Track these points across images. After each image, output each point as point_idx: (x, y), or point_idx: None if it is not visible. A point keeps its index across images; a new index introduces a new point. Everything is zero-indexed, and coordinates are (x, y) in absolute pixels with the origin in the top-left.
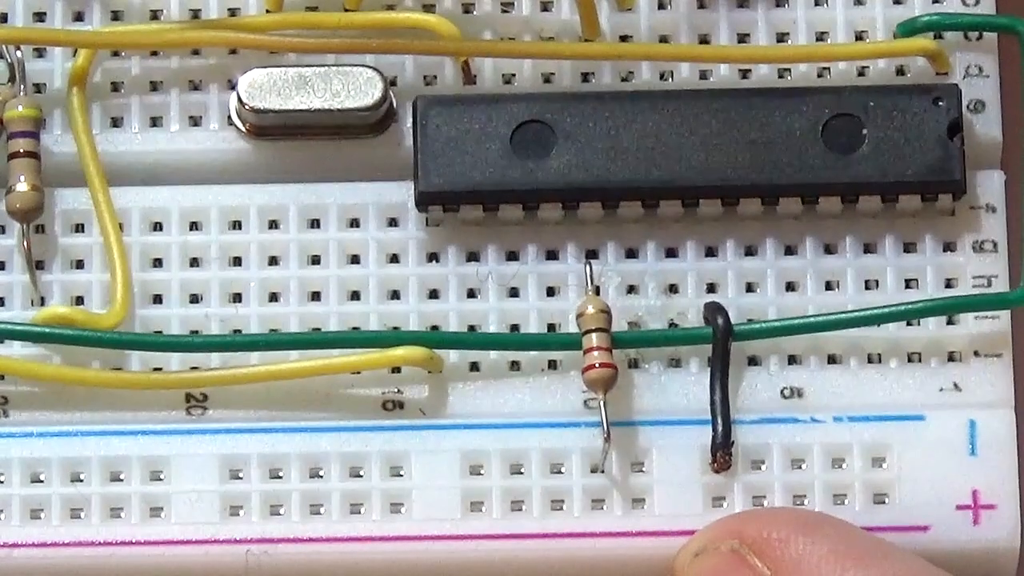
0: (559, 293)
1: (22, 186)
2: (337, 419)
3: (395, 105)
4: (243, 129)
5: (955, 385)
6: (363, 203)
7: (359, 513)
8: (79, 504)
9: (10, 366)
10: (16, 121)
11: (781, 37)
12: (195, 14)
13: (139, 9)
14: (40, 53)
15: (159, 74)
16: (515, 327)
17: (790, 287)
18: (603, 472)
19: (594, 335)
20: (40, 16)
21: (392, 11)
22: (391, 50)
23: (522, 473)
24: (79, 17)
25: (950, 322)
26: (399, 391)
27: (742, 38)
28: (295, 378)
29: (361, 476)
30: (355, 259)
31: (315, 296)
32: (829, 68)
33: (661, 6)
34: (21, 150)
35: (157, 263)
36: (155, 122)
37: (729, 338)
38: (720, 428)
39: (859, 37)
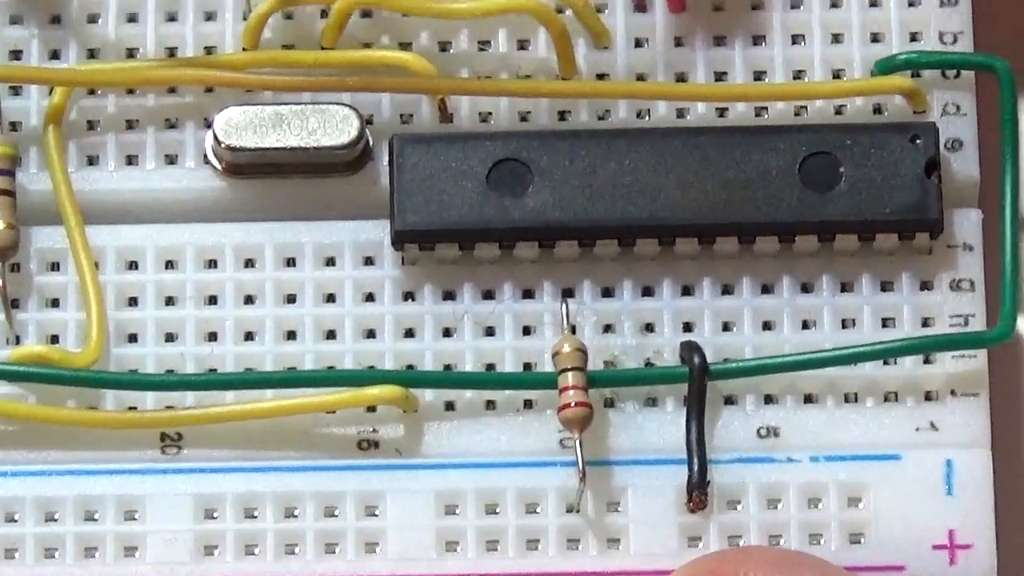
0: (535, 332)
1: None
2: (312, 458)
3: (371, 143)
4: (219, 167)
5: (932, 424)
6: (339, 241)
7: (334, 552)
8: (53, 543)
9: None
10: None
11: (758, 75)
12: (171, 52)
13: (115, 47)
14: (16, 91)
15: (135, 112)
16: (491, 366)
17: (767, 326)
18: (579, 512)
19: (570, 374)
20: (16, 54)
21: (368, 49)
22: (367, 88)
23: (497, 513)
24: (55, 55)
25: (927, 361)
26: (374, 430)
27: (719, 76)
28: (270, 417)
29: (336, 515)
30: (331, 298)
31: (291, 335)
32: (806, 106)
33: (638, 44)
34: None
35: (132, 302)
36: (131, 160)
37: (705, 377)
38: (696, 467)
39: (836, 75)
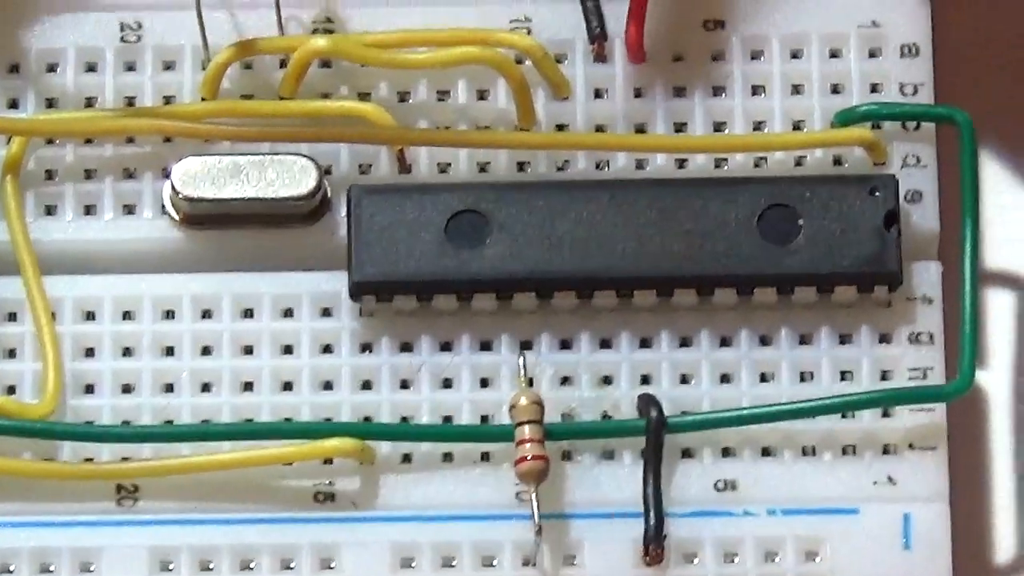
0: (493, 384)
1: None
2: (268, 511)
3: (329, 194)
4: (177, 218)
5: (889, 478)
6: (297, 293)
7: None
8: None
9: None
10: None
11: (718, 126)
12: (130, 101)
13: (74, 96)
14: None
15: (93, 162)
16: (448, 418)
17: (725, 379)
18: (535, 565)
19: (527, 427)
20: None
21: (327, 99)
22: (325, 138)
23: (454, 566)
24: (13, 104)
25: (885, 414)
26: (331, 483)
27: (679, 127)
28: (227, 469)
29: (292, 568)
30: (288, 349)
31: (248, 386)
32: (766, 158)
33: (597, 95)
34: None
35: (89, 352)
36: (89, 210)
37: (662, 430)
38: (653, 521)
39: (797, 126)
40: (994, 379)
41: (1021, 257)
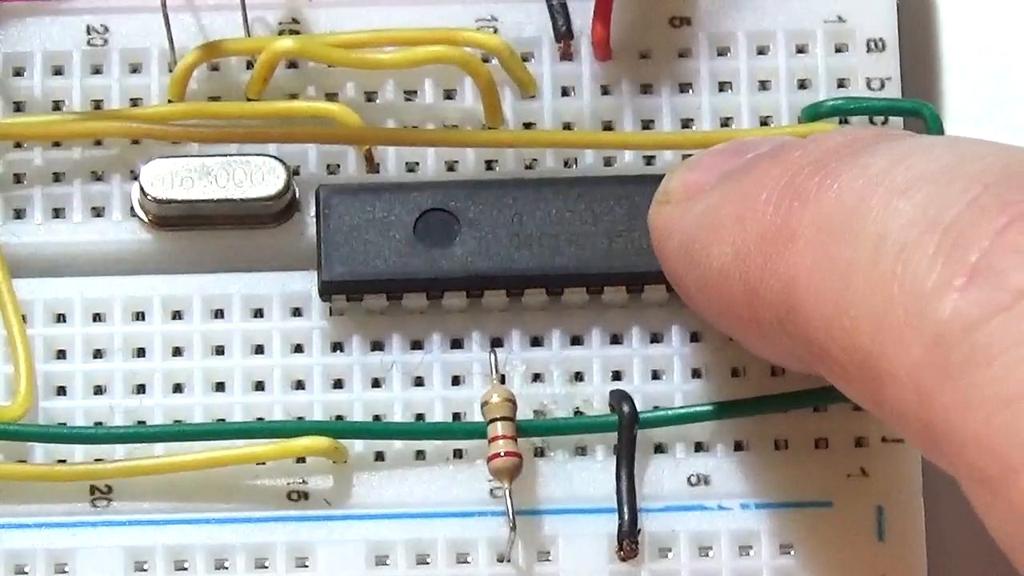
0: (464, 382)
1: None
2: (242, 510)
3: (298, 194)
4: (146, 219)
5: (863, 471)
6: (267, 293)
7: None
8: None
9: None
10: None
11: (686, 123)
12: (97, 104)
13: (41, 100)
14: None
15: (61, 165)
16: (420, 416)
17: (696, 373)
18: (509, 562)
19: (499, 424)
20: None
21: (294, 100)
22: (293, 139)
23: (428, 563)
24: None
25: (857, 408)
26: (304, 481)
27: (646, 124)
28: (199, 469)
29: (267, 567)
30: (259, 349)
31: (219, 386)
32: None
33: (564, 93)
34: None
35: (60, 355)
36: (58, 213)
37: (635, 425)
38: (626, 516)
39: (764, 122)
40: None
41: None
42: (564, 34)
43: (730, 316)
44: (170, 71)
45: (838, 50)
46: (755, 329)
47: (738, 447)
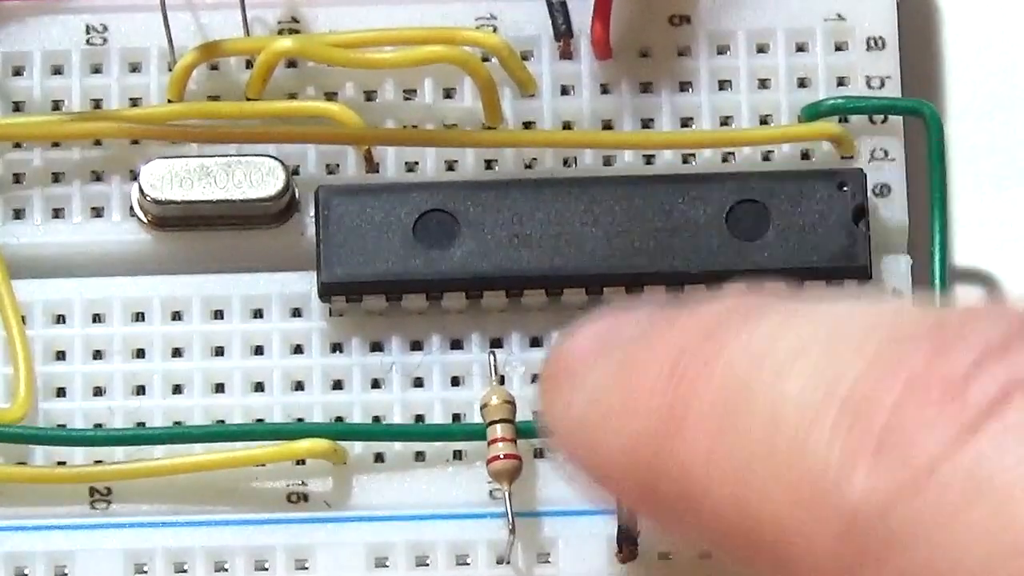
0: (464, 383)
1: None
2: (242, 512)
3: (297, 195)
4: (145, 220)
5: None
6: (266, 294)
7: None
8: None
9: None
10: None
11: (685, 122)
12: (96, 104)
13: (40, 100)
14: None
15: (61, 165)
16: (420, 417)
17: None
18: (509, 563)
19: (498, 426)
20: None
21: (294, 100)
22: (292, 139)
23: (428, 565)
24: None
25: None
26: (303, 483)
27: (646, 123)
28: (199, 471)
29: (266, 569)
30: (259, 350)
31: (219, 388)
32: (734, 153)
33: (564, 92)
34: None
35: (60, 356)
36: (57, 213)
37: None
38: (626, 518)
39: (764, 121)
40: None
41: (988, 251)
42: (563, 33)
43: (632, 503)
44: (169, 70)
45: (838, 48)
46: (659, 517)
47: None
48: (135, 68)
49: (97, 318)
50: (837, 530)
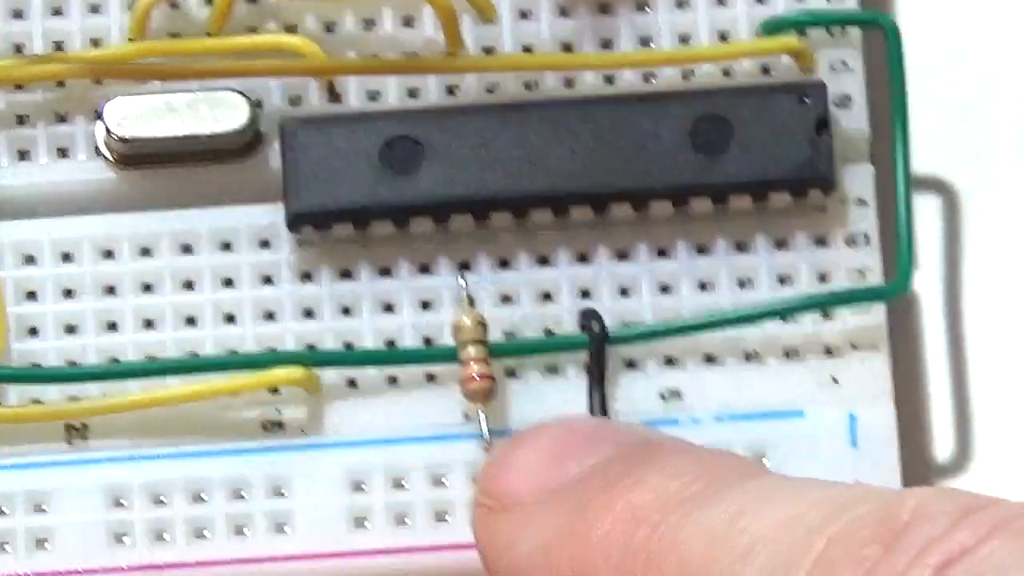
0: (434, 307)
1: None
2: (218, 443)
3: (262, 128)
4: (111, 159)
5: (834, 379)
6: (235, 227)
7: (243, 535)
8: None
9: None
10: None
11: (645, 42)
12: (58, 46)
13: (2, 45)
14: None
15: (25, 108)
16: (391, 343)
17: (664, 289)
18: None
19: (471, 347)
20: None
21: (255, 34)
22: (254, 72)
23: (405, 488)
24: None
25: (826, 317)
26: (279, 412)
27: (606, 44)
28: (174, 404)
29: (244, 498)
30: (229, 283)
31: (191, 321)
32: (694, 70)
33: (523, 16)
34: None
35: (31, 296)
36: (23, 155)
37: (605, 343)
38: None
39: (723, 37)
40: (926, 281)
41: (947, 161)
42: None
43: None
44: (129, 10)
45: None
46: None
47: (709, 360)
48: (95, 9)
49: (67, 257)
50: None
